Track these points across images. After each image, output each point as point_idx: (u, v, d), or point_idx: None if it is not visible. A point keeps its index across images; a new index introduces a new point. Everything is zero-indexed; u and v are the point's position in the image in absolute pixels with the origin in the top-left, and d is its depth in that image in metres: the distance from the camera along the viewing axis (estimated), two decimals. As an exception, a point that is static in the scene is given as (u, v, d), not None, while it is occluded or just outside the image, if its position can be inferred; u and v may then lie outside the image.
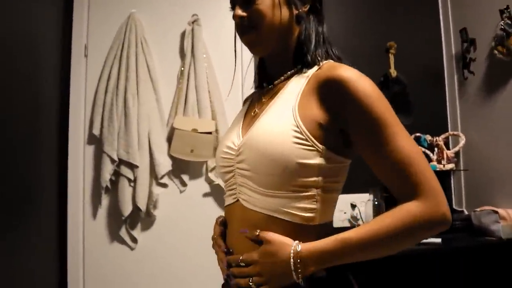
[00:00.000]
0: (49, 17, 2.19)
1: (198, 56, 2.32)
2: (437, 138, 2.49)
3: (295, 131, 0.80)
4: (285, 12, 0.92)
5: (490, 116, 2.38)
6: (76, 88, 2.31)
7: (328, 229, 0.87)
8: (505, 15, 2.15)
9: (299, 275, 0.78)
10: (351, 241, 0.77)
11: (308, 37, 0.93)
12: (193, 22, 2.39)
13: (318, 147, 0.81)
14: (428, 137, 2.51)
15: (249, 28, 0.93)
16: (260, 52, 0.98)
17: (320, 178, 0.82)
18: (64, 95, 2.30)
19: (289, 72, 0.95)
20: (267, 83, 1.02)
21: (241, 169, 0.88)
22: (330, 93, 0.82)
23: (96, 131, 2.24)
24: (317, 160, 0.81)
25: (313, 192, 0.83)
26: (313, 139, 0.80)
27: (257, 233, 0.83)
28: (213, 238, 1.00)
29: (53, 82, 2.22)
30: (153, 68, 2.33)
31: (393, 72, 2.56)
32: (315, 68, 0.90)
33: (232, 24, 2.58)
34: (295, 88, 0.88)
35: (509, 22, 2.12)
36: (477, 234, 2.31)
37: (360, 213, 2.31)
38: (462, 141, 2.47)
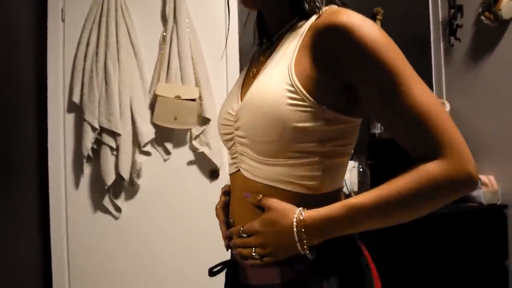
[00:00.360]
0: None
1: (180, 21, 2.25)
2: (422, 105, 2.49)
3: (290, 91, 0.71)
4: None
5: (475, 83, 2.39)
6: (54, 54, 2.24)
7: (337, 197, 0.80)
8: (493, -21, 2.12)
9: (304, 246, 0.71)
10: (361, 206, 0.68)
11: None
12: (175, -15, 2.30)
13: (318, 107, 0.71)
14: (413, 105, 2.50)
15: None
16: (254, 4, 0.86)
17: (322, 143, 0.74)
18: (42, 62, 2.22)
19: (287, 25, 0.83)
20: (266, 40, 0.91)
21: (240, 137, 0.81)
22: (331, 42, 0.70)
23: (76, 99, 2.18)
24: (318, 122, 0.72)
25: (315, 158, 0.75)
26: (311, 98, 0.71)
27: (259, 198, 0.76)
28: (216, 209, 0.95)
29: (29, 47, 2.14)
30: (134, 33, 2.26)
31: (380, 38, 2.52)
32: (314, 17, 0.77)
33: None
34: (292, 43, 0.78)
35: (497, -13, 2.09)
36: (459, 200, 2.33)
37: (344, 180, 2.31)
38: (447, 108, 2.48)
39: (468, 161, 0.65)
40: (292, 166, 0.75)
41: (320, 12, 0.77)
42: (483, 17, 2.21)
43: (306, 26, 0.77)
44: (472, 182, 0.65)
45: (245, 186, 0.82)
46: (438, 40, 2.69)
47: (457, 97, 2.53)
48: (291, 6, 0.83)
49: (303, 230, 0.70)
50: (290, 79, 0.72)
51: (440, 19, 2.65)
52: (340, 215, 0.69)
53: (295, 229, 0.71)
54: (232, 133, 0.85)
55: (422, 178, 0.66)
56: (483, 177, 2.24)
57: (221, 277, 0.93)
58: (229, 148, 0.88)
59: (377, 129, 2.46)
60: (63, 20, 2.27)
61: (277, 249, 0.73)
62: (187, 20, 2.27)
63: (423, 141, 0.67)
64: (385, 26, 2.52)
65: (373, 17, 2.55)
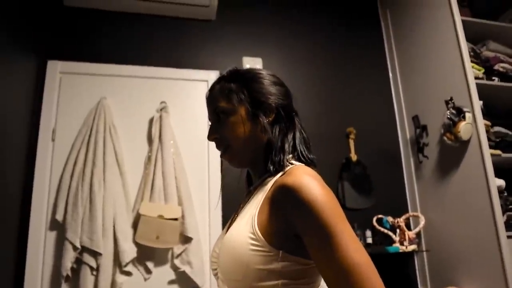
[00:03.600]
0: (18, 99, 2.22)
1: (165, 142, 2.38)
2: (398, 219, 2.57)
3: (252, 238, 0.84)
4: (251, 127, 0.99)
5: (446, 197, 2.49)
6: (41, 172, 2.30)
7: None
8: (449, 105, 2.35)
9: None
10: None
11: (270, 147, 0.98)
12: (161, 109, 2.48)
13: (276, 252, 0.82)
14: (390, 219, 2.58)
15: (223, 148, 1.03)
16: (238, 165, 1.06)
17: (281, 281, 0.83)
18: (28, 179, 2.28)
19: (259, 180, 0.99)
20: (248, 189, 1.09)
21: (220, 273, 0.93)
22: (283, 199, 0.84)
23: (59, 217, 2.19)
24: (276, 265, 0.82)
25: None
26: (269, 245, 0.82)
27: None
28: None
29: (18, 164, 2.21)
30: (121, 153, 2.36)
31: (354, 156, 2.69)
32: (280, 174, 0.93)
33: (198, 112, 2.69)
34: (260, 195, 0.92)
35: (454, 111, 2.31)
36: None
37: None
38: (422, 222, 2.56)
39: None
40: None
41: (286, 170, 0.92)
42: (445, 138, 2.39)
43: (271, 182, 0.92)
44: None
45: None
46: (408, 157, 2.86)
47: (431, 211, 2.62)
48: (264, 166, 0.99)
49: None
50: (252, 228, 0.85)
51: (408, 138, 2.86)
52: None
53: None
54: (216, 269, 0.98)
55: None
56: (463, 292, 2.25)
57: None
58: (216, 281, 0.99)
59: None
60: (53, 140, 2.37)
61: None
62: (171, 142, 2.41)
63: None
64: (358, 145, 2.73)
65: (346, 137, 2.75)
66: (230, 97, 1.01)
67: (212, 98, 1.06)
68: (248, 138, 0.99)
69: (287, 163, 0.96)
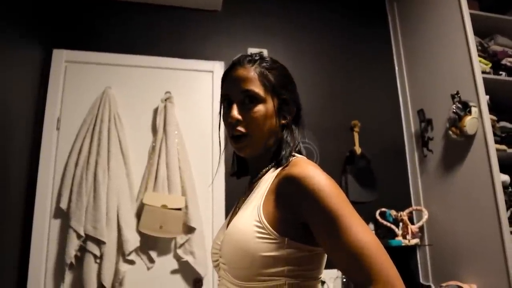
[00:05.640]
0: (23, 88, 2.22)
1: (169, 133, 2.38)
2: (401, 213, 2.56)
3: (258, 226, 0.86)
4: (274, 122, 1.00)
5: (449, 191, 2.48)
6: (46, 160, 2.31)
7: None
8: (456, 99, 2.33)
9: None
10: None
11: (287, 145, 1.00)
12: (166, 99, 2.48)
13: (281, 239, 0.85)
14: (393, 212, 2.58)
15: (242, 133, 0.98)
16: (247, 155, 1.02)
17: (287, 268, 0.86)
18: (33, 167, 2.29)
19: (264, 170, 1.01)
20: (249, 182, 1.09)
21: (222, 263, 0.95)
22: (288, 189, 0.88)
23: (63, 205, 2.21)
24: (281, 252, 0.85)
25: (281, 281, 0.86)
26: (275, 232, 0.85)
27: None
28: None
29: (23, 153, 2.22)
30: (125, 143, 2.37)
31: (358, 149, 2.69)
32: (284, 165, 0.96)
33: (203, 102, 2.67)
34: (263, 187, 0.95)
35: (460, 106, 2.30)
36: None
37: (329, 290, 2.30)
38: (425, 216, 2.55)
39: (394, 283, 0.75)
40: None
41: (289, 161, 0.96)
42: (450, 132, 2.38)
43: (274, 174, 0.95)
44: None
45: None
46: (412, 151, 2.85)
47: (435, 205, 2.62)
48: (271, 158, 1.02)
49: None
50: (258, 217, 0.88)
51: (413, 132, 2.85)
52: None
53: None
54: (217, 260, 0.99)
55: None
56: (465, 286, 2.24)
57: None
58: (217, 272, 1.01)
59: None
60: (58, 129, 2.38)
61: None
62: (176, 132, 2.41)
63: (359, 273, 0.77)
64: (362, 138, 2.72)
65: (351, 130, 2.74)
66: (266, 86, 0.99)
67: (247, 77, 0.99)
68: (267, 131, 0.99)
69: None
